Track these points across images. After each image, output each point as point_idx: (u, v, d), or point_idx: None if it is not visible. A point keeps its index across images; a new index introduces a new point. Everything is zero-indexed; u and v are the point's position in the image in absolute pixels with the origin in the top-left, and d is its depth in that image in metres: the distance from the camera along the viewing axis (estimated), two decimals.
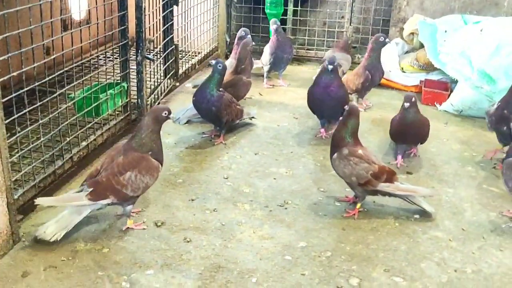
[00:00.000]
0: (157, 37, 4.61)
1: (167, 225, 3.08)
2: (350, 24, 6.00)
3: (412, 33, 5.53)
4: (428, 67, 5.34)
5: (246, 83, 4.65)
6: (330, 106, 4.17)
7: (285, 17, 6.23)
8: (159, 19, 4.58)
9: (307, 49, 6.33)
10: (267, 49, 5.42)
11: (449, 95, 5.05)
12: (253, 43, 4.72)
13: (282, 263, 2.82)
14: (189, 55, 5.58)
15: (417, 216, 3.31)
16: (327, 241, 3.03)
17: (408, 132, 3.92)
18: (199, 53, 5.77)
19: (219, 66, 4.05)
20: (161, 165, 3.06)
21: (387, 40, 4.74)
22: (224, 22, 6.29)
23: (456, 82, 5.02)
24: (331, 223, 3.21)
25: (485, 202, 3.51)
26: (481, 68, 4.69)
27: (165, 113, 3.06)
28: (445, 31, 5.09)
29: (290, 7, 6.21)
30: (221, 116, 4.09)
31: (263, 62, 5.45)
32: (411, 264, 2.87)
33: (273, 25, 5.35)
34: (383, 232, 3.14)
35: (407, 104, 3.81)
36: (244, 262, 2.82)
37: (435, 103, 5.06)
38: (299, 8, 6.20)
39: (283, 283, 2.68)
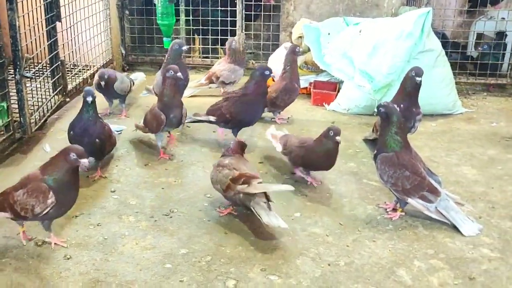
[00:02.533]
0: (37, 54, 4.52)
1: (48, 244, 3.05)
2: (242, 31, 6.12)
3: (300, 37, 5.69)
4: (317, 69, 5.53)
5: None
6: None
7: (178, 27, 6.28)
8: (40, 36, 4.51)
9: (203, 58, 6.40)
10: (159, 76, 4.85)
11: (337, 95, 5.26)
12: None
13: (162, 272, 2.86)
14: (80, 69, 5.51)
15: (297, 214, 3.44)
16: (208, 246, 3.09)
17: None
18: (92, 66, 5.71)
19: (89, 98, 3.70)
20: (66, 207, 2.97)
21: (298, 50, 4.88)
22: (118, 35, 6.26)
23: (343, 82, 5.24)
24: (214, 228, 3.28)
25: (364, 196, 3.69)
26: (361, 67, 4.92)
27: (73, 155, 2.85)
28: (328, 34, 5.30)
29: (182, 17, 6.26)
30: (104, 148, 3.85)
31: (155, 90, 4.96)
32: (287, 261, 2.98)
33: (174, 45, 4.75)
34: (264, 233, 3.24)
35: None
36: (124, 274, 2.84)
37: (324, 103, 5.26)
38: (191, 18, 6.27)
39: None
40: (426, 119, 5.01)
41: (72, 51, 5.32)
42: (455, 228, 3.28)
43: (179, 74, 4.07)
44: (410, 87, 4.02)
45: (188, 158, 4.19)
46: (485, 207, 3.56)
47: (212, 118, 4.38)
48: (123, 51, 6.34)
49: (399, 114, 3.35)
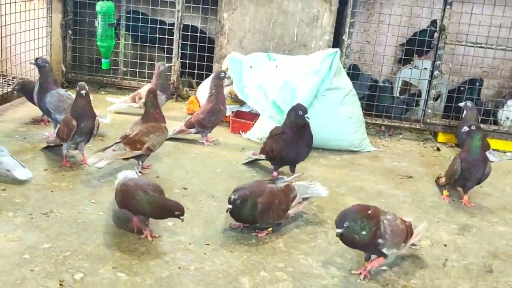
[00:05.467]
0: None
1: None
2: (178, 59, 6.40)
3: (227, 68, 5.97)
4: (240, 100, 5.78)
5: None
6: None
7: (118, 50, 6.56)
8: None
9: (130, 80, 6.67)
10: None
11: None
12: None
13: (18, 261, 3.02)
14: (10, 79, 5.76)
15: (170, 224, 3.61)
16: (72, 243, 3.26)
17: None
18: (24, 78, 5.93)
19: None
20: None
21: (224, 75, 5.20)
22: (60, 53, 6.52)
23: None
24: (86, 228, 3.45)
25: None
26: (273, 99, 5.19)
27: None
28: (251, 67, 5.57)
29: (122, 41, 6.55)
30: None
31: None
32: (141, 262, 3.14)
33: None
34: (130, 237, 3.41)
35: None
36: None
37: (241, 131, 5.50)
38: (130, 42, 6.57)
39: (8, 277, 2.87)
40: (333, 153, 5.30)
41: (1, 61, 5.55)
42: None
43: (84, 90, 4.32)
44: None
45: (89, 168, 4.36)
46: None
47: (262, 156, 4.64)
48: (64, 69, 6.58)
49: None
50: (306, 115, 4.41)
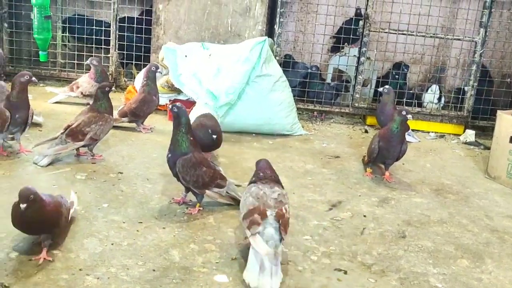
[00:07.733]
0: None
1: None
2: (115, 50, 6.53)
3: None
4: (177, 88, 5.97)
5: None
6: None
7: (55, 42, 6.64)
8: None
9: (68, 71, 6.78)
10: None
11: None
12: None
13: None
14: None
15: (105, 205, 3.79)
16: (7, 227, 3.31)
17: None
18: None
19: None
20: None
21: (155, 69, 5.42)
22: None
23: None
24: None
25: (175, 194, 4.05)
26: (207, 87, 5.41)
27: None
28: (185, 56, 5.77)
29: (59, 34, 6.63)
30: None
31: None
32: (75, 240, 3.31)
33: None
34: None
35: None
36: None
37: None
38: (67, 35, 6.66)
39: None
40: (266, 137, 5.56)
41: None
42: None
43: (33, 78, 4.44)
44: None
45: (26, 157, 4.47)
46: None
47: None
48: (2, 62, 6.61)
49: (187, 116, 3.81)
50: (214, 136, 4.54)
